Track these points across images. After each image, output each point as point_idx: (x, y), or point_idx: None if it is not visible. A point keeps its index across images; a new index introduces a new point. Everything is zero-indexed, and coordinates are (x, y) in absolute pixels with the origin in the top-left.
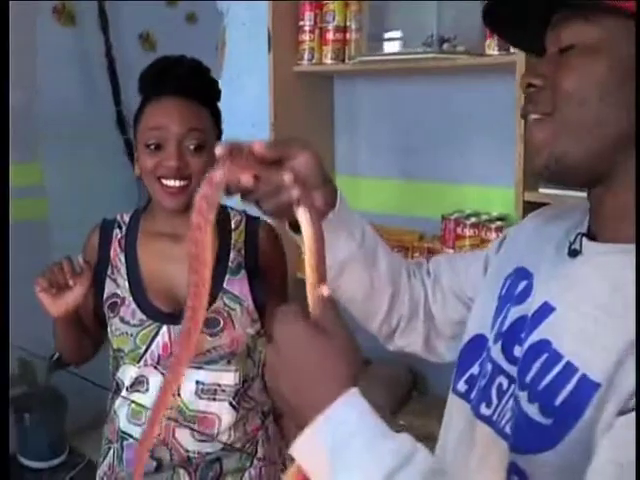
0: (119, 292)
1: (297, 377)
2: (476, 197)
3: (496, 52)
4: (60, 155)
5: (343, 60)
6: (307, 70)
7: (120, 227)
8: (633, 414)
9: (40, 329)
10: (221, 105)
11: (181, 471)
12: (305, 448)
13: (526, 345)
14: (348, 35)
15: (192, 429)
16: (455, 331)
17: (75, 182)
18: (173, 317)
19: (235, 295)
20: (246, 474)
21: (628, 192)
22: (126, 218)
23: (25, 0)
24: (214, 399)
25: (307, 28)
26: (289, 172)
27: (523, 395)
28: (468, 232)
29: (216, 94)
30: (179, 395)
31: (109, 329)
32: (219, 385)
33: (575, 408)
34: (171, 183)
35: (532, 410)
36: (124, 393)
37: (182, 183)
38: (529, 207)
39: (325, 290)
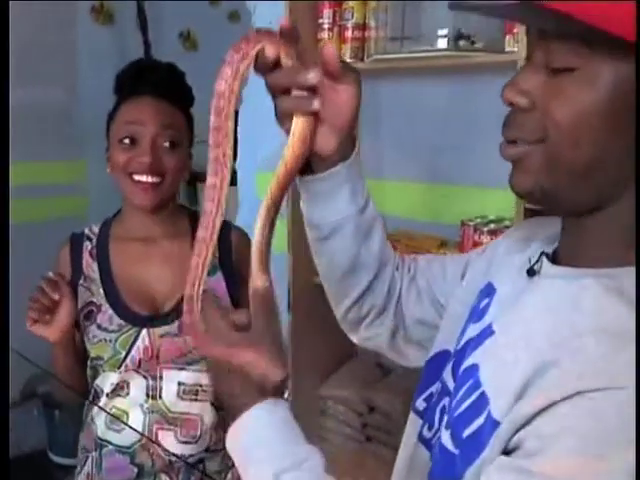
0: (94, 300)
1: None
2: (501, 201)
3: (516, 49)
4: (102, 153)
5: (362, 59)
6: None
7: (90, 239)
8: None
9: None
10: (248, 105)
11: (163, 476)
12: (230, 445)
13: (462, 368)
14: (367, 33)
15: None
16: (424, 334)
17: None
18: (152, 320)
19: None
20: (229, 475)
21: (607, 223)
22: (95, 229)
23: (64, 0)
24: (196, 400)
25: (326, 26)
26: (317, 73)
27: (445, 420)
28: (485, 239)
29: (190, 99)
30: (161, 397)
31: (86, 338)
32: (200, 385)
33: (478, 443)
34: (143, 179)
35: (445, 437)
36: (104, 399)
37: (155, 179)
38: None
39: (263, 281)
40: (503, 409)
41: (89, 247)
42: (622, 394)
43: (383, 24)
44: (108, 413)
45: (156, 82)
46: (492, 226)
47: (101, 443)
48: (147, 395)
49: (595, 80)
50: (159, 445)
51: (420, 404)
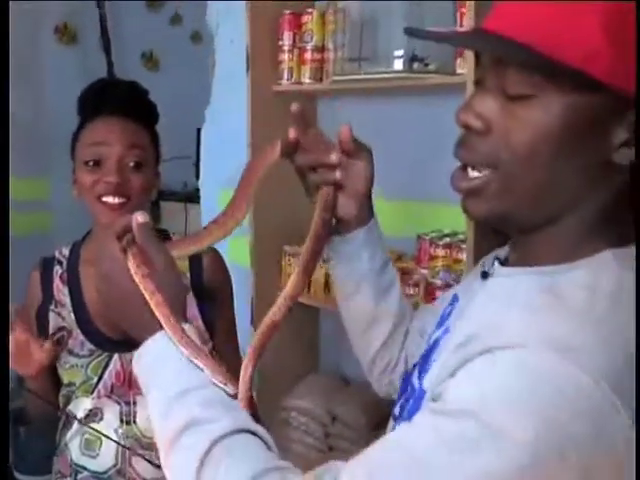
0: (65, 325)
1: (125, 305)
2: (456, 216)
3: (466, 70)
4: (66, 171)
5: (321, 79)
6: (286, 89)
7: (60, 263)
8: (411, 423)
9: None
10: (210, 124)
11: None
12: (136, 367)
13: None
14: (326, 55)
15: (144, 457)
16: None
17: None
18: (124, 344)
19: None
20: None
21: (555, 235)
22: (65, 252)
23: (28, 19)
24: None
25: (286, 48)
26: (338, 154)
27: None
28: (441, 252)
29: (154, 116)
30: (135, 423)
31: (58, 364)
32: None
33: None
34: (110, 200)
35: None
36: (76, 425)
37: (121, 200)
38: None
39: (141, 216)
40: (432, 380)
41: (59, 271)
42: (531, 353)
43: (341, 46)
44: (96, 432)
45: (119, 101)
46: (447, 240)
47: (76, 469)
48: (121, 420)
49: (550, 108)
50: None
51: (396, 410)
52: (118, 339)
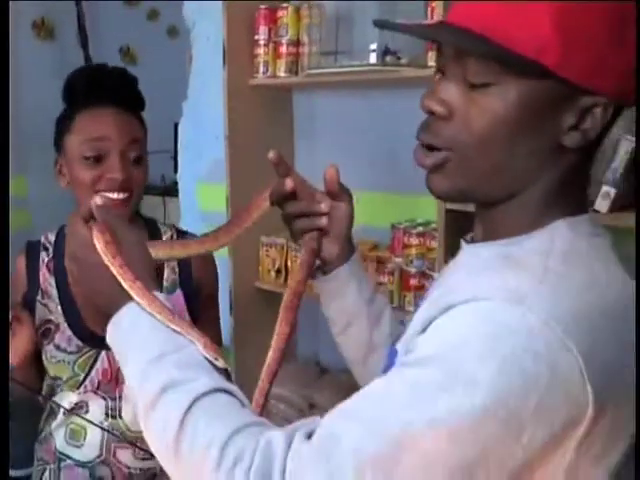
0: (52, 318)
1: (96, 282)
2: (428, 206)
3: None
4: (42, 168)
5: (296, 73)
6: (262, 83)
7: (46, 249)
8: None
9: None
10: (187, 118)
11: None
12: (111, 337)
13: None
14: (301, 49)
15: (135, 445)
16: None
17: (57, 194)
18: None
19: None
20: None
21: (515, 208)
22: (51, 237)
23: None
24: None
25: (262, 42)
26: (327, 202)
27: None
28: (414, 241)
29: (143, 104)
30: (120, 417)
31: (43, 356)
32: None
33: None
34: (115, 196)
35: None
36: (60, 417)
37: (124, 196)
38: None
39: (99, 200)
40: (403, 342)
41: (46, 259)
42: (487, 303)
43: (316, 40)
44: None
45: (113, 90)
46: (420, 229)
47: (60, 457)
48: (106, 414)
49: (506, 95)
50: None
51: None
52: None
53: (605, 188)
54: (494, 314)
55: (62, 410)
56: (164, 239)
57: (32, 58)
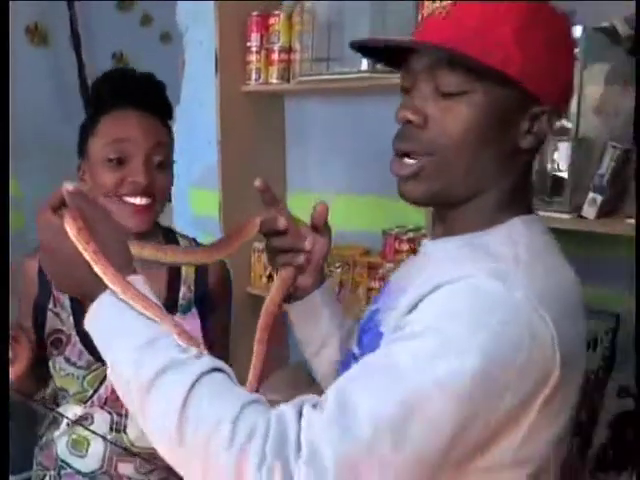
0: (64, 329)
1: (72, 271)
2: (420, 212)
3: None
4: (35, 171)
5: (288, 80)
6: (254, 90)
7: None
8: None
9: None
10: (180, 123)
11: None
12: (91, 324)
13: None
14: (292, 56)
15: (139, 456)
16: None
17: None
18: None
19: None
20: None
21: (476, 206)
22: None
23: None
24: None
25: (254, 49)
26: (310, 241)
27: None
28: (405, 246)
29: (170, 109)
30: (125, 432)
31: (52, 366)
32: None
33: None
34: (137, 201)
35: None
36: (63, 427)
37: (146, 201)
38: None
39: (70, 185)
40: (390, 325)
41: None
42: (474, 280)
43: (307, 47)
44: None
45: (140, 93)
46: (411, 234)
47: (61, 465)
48: (110, 428)
49: (476, 102)
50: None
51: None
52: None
53: (592, 195)
54: (481, 289)
55: (64, 422)
56: None
57: (25, 63)
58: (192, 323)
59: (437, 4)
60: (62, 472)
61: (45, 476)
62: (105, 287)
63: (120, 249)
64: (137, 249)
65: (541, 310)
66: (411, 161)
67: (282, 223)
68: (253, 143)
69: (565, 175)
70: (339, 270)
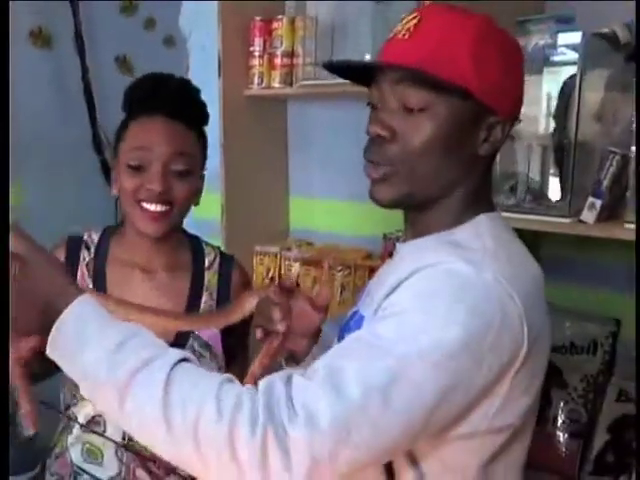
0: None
1: (34, 309)
2: None
3: None
4: (38, 175)
5: (291, 84)
6: (257, 94)
7: (88, 248)
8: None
9: None
10: None
11: None
12: (55, 341)
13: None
14: (295, 60)
15: (154, 462)
16: None
17: (52, 202)
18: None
19: (205, 341)
20: None
21: (445, 207)
22: (94, 237)
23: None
24: None
25: (257, 53)
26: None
27: None
28: None
29: (204, 118)
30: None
31: None
32: None
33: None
34: (152, 208)
35: None
36: (76, 431)
37: (163, 208)
38: None
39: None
40: (371, 309)
41: (86, 259)
42: (450, 264)
43: (310, 51)
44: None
45: (168, 100)
46: (401, 238)
47: (77, 471)
48: (123, 437)
49: (438, 115)
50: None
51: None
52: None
53: (591, 199)
54: (455, 272)
55: (77, 425)
56: (207, 261)
57: (29, 67)
58: (211, 331)
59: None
60: (79, 478)
61: None
62: (68, 301)
63: (59, 279)
64: (137, 315)
65: (511, 291)
66: (381, 167)
67: (282, 326)
68: (255, 147)
69: (564, 180)
70: (340, 273)
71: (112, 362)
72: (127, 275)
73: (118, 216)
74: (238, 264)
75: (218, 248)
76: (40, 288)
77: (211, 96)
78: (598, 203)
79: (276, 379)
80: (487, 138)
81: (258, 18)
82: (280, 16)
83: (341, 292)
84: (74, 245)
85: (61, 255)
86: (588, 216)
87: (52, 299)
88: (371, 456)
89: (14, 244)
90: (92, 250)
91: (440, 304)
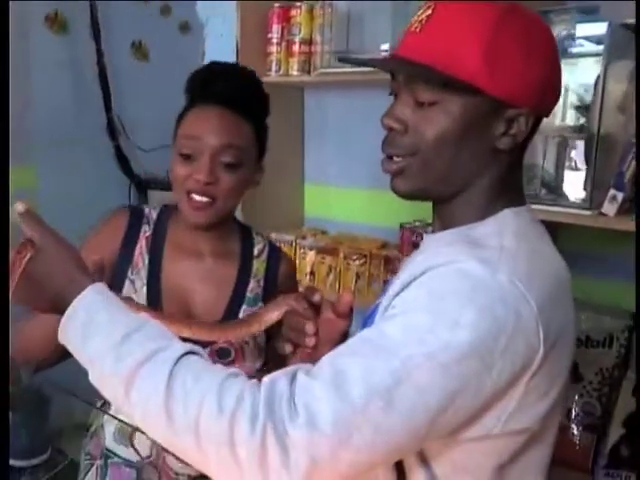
0: (134, 298)
1: (45, 295)
2: None
3: None
4: (53, 160)
5: (309, 72)
6: (274, 81)
7: (148, 223)
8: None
9: None
10: None
11: None
12: (65, 330)
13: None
14: (313, 48)
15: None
16: None
17: (66, 186)
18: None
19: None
20: None
21: (465, 200)
22: (153, 214)
23: (18, 8)
24: None
25: (275, 40)
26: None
27: None
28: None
29: (264, 109)
30: None
31: None
32: None
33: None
34: (198, 198)
35: None
36: (113, 410)
37: (208, 199)
38: None
39: (20, 206)
40: (383, 306)
41: (147, 232)
42: (463, 264)
43: (328, 39)
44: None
45: (226, 90)
46: (430, 229)
47: (107, 453)
48: None
49: (450, 110)
50: None
51: None
52: (180, 336)
53: (612, 192)
54: (470, 272)
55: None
56: (256, 250)
57: (45, 51)
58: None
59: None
60: (109, 461)
61: (92, 466)
62: (77, 292)
63: (72, 267)
64: (167, 323)
65: (527, 294)
66: (397, 160)
67: (310, 342)
68: (272, 134)
69: (586, 172)
70: (356, 263)
71: (118, 353)
72: (181, 256)
73: (131, 201)
74: (286, 255)
75: (268, 238)
76: (52, 274)
77: None
78: (620, 195)
79: (281, 376)
80: (507, 131)
81: (277, 5)
82: (299, 3)
83: (356, 281)
84: (137, 215)
85: (123, 221)
86: (609, 208)
87: (64, 285)
88: (373, 459)
89: (28, 229)
90: (151, 226)
91: (449, 305)
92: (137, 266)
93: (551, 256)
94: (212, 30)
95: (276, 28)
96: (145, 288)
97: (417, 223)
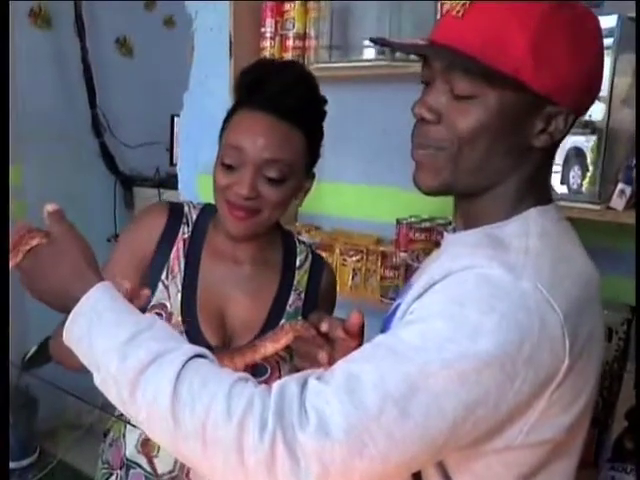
0: (168, 305)
1: (50, 285)
2: (438, 202)
3: None
4: (38, 157)
5: None
6: None
7: (187, 224)
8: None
9: (12, 328)
10: (190, 109)
11: None
12: (71, 330)
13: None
14: (307, 42)
15: None
16: None
17: (52, 183)
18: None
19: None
20: None
21: (492, 198)
22: (194, 214)
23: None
24: None
25: (268, 35)
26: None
27: None
28: (420, 236)
29: (318, 116)
30: None
31: None
32: None
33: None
34: (239, 208)
35: None
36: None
37: (249, 213)
38: None
39: (50, 207)
40: (402, 310)
41: (185, 234)
42: (484, 269)
43: (323, 34)
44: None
45: (276, 95)
46: (427, 224)
47: (129, 464)
48: None
49: (488, 105)
50: None
51: None
52: (215, 345)
53: (621, 186)
54: (491, 278)
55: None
56: (298, 260)
57: (28, 47)
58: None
59: None
60: (130, 472)
61: (112, 475)
62: (85, 290)
63: (82, 263)
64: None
65: (550, 299)
66: (425, 152)
67: (323, 358)
68: None
69: (594, 166)
70: (353, 259)
71: (123, 354)
72: (218, 264)
73: (117, 199)
74: (328, 265)
75: (310, 247)
76: (59, 264)
77: (219, 78)
78: (628, 189)
79: (292, 381)
80: (545, 129)
81: None
82: None
83: (352, 277)
84: (177, 213)
85: (161, 220)
86: (617, 202)
87: (70, 280)
88: (388, 468)
89: (50, 222)
90: (190, 227)
91: (471, 312)
92: (173, 271)
93: (578, 257)
94: (201, 24)
95: (269, 22)
96: (180, 295)
97: (412, 218)
